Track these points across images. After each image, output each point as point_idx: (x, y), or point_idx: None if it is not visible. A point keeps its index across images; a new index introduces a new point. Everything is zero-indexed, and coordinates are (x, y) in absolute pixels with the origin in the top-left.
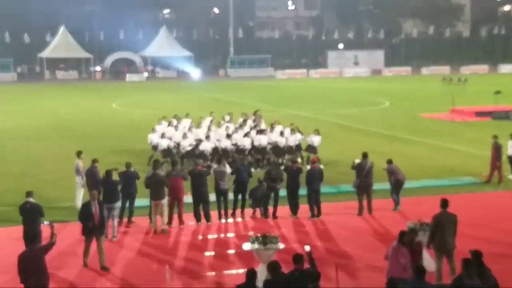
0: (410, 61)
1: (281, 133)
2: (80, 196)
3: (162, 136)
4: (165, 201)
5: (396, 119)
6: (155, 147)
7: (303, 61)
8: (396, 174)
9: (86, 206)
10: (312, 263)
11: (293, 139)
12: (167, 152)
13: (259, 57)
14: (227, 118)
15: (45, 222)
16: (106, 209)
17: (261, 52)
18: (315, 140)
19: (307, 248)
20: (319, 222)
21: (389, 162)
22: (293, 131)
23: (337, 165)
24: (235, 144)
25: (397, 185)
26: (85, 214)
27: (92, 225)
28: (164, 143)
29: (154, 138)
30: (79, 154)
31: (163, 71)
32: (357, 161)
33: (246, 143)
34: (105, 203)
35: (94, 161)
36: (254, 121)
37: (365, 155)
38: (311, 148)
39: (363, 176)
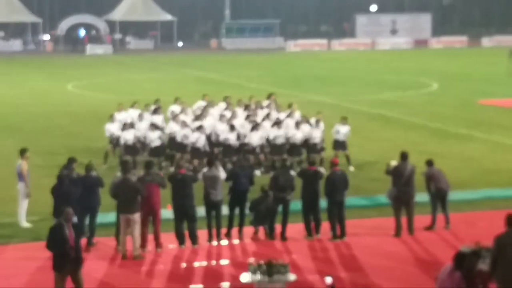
0: (467, 29)
1: (297, 124)
2: (23, 208)
3: (125, 127)
4: (138, 216)
5: (447, 108)
6: (114, 142)
7: (322, 28)
8: (438, 180)
9: (56, 229)
10: None
11: (319, 133)
12: (132, 149)
13: (264, 23)
14: (223, 105)
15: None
16: None
17: (266, 16)
18: (342, 131)
19: (329, 280)
20: (343, 245)
21: (430, 164)
22: (318, 122)
23: (368, 169)
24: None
25: (438, 196)
26: (56, 240)
27: (66, 255)
28: (129, 136)
29: (113, 129)
30: (22, 153)
31: (136, 42)
32: (394, 163)
33: (254, 138)
34: (55, 218)
35: (71, 161)
36: (267, 107)
37: (404, 156)
38: (339, 144)
39: (401, 184)
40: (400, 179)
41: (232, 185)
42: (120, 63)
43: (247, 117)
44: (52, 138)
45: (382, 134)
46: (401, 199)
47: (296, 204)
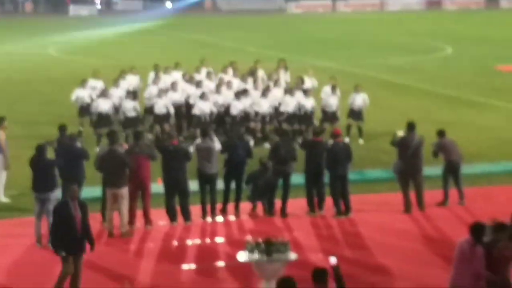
0: None
1: (304, 92)
2: (1, 182)
3: (103, 94)
4: (125, 190)
5: (463, 73)
6: (83, 110)
7: None
8: (449, 152)
9: (62, 207)
10: (339, 281)
11: (336, 101)
12: (105, 119)
13: None
14: (230, 72)
15: None
16: (38, 201)
17: None
18: (358, 100)
19: (333, 260)
20: (348, 222)
21: (441, 134)
22: (334, 88)
23: (377, 140)
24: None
25: (450, 169)
26: (61, 220)
27: (72, 237)
28: (104, 105)
29: (82, 94)
30: (0, 122)
31: (124, 2)
32: (400, 133)
33: (264, 106)
34: (35, 193)
35: (63, 128)
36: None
37: (411, 126)
38: (355, 114)
39: (408, 156)
40: (407, 151)
41: (227, 157)
42: (106, 25)
43: (254, 83)
44: (32, 105)
45: (392, 102)
46: (408, 173)
47: (297, 178)
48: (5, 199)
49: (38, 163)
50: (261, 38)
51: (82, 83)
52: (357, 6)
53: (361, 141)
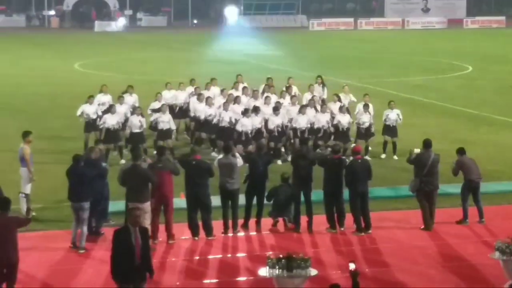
0: (505, 8)
1: (341, 109)
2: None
3: (110, 109)
4: (148, 205)
5: (482, 92)
6: (88, 125)
7: (349, 6)
8: (469, 171)
9: (121, 234)
10: (356, 286)
11: (366, 118)
12: (113, 134)
13: (285, 0)
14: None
15: (20, 194)
16: (73, 209)
17: None
18: (392, 117)
19: (352, 266)
20: (368, 239)
21: (461, 152)
22: (366, 106)
23: (398, 158)
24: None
25: (469, 187)
26: (121, 247)
27: (132, 266)
28: (111, 121)
29: (88, 110)
30: (25, 136)
31: (148, 18)
32: (416, 151)
33: (301, 122)
34: (70, 202)
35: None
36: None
37: (427, 144)
38: (389, 130)
39: (424, 174)
40: (423, 169)
41: (249, 173)
42: (130, 41)
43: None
44: (57, 120)
45: (412, 120)
46: (424, 190)
47: (316, 194)
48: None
49: (73, 172)
50: (283, 55)
51: (89, 99)
52: (379, 24)
53: (395, 158)
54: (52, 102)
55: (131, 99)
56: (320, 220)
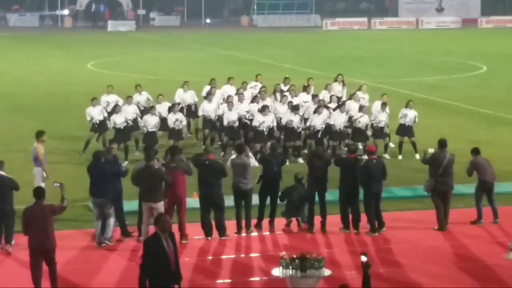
0: None
1: (360, 108)
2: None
3: (115, 109)
4: (161, 205)
5: (497, 92)
6: (94, 127)
7: (362, 5)
8: (483, 171)
9: (153, 242)
10: (367, 280)
11: (385, 117)
12: (121, 134)
13: None
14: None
15: (55, 184)
16: (95, 205)
17: None
18: (410, 116)
19: (364, 258)
20: (382, 239)
21: (475, 152)
22: (384, 105)
23: (410, 158)
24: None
25: (483, 188)
26: (155, 255)
27: (167, 274)
28: (118, 120)
29: (93, 112)
30: (39, 135)
31: (161, 18)
32: (431, 151)
33: (317, 122)
34: (92, 197)
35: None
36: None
37: (442, 144)
38: (405, 130)
39: (439, 174)
40: (438, 169)
41: (262, 173)
42: (143, 41)
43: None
44: (70, 119)
45: (426, 120)
46: (439, 190)
47: (330, 194)
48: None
49: (94, 169)
50: (296, 54)
51: (92, 101)
52: (393, 23)
53: (417, 156)
54: (66, 102)
55: (141, 98)
56: (333, 220)
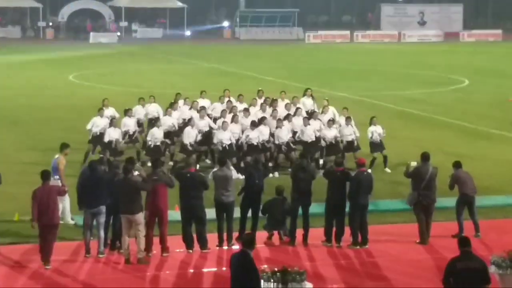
0: (501, 22)
1: (329, 122)
2: (66, 205)
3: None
4: (140, 216)
5: (479, 106)
6: (95, 139)
7: (345, 18)
8: (464, 185)
9: (241, 259)
10: None
11: (349, 131)
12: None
13: (281, 12)
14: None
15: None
16: (89, 215)
17: (284, 4)
18: (378, 132)
19: None
20: (365, 252)
21: (457, 165)
22: (349, 120)
23: (393, 170)
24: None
25: (464, 201)
26: (243, 273)
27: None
28: (114, 135)
29: (99, 123)
30: (63, 147)
31: (143, 30)
32: (413, 164)
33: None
34: (87, 208)
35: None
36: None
37: (425, 157)
38: (376, 146)
39: (422, 187)
40: (421, 182)
41: (244, 185)
42: (125, 53)
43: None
44: (52, 132)
45: (408, 133)
46: (422, 204)
47: (313, 207)
48: (72, 221)
49: (91, 178)
50: (278, 67)
51: (99, 111)
52: (375, 37)
53: (388, 170)
54: (47, 114)
55: (141, 111)
56: (315, 233)
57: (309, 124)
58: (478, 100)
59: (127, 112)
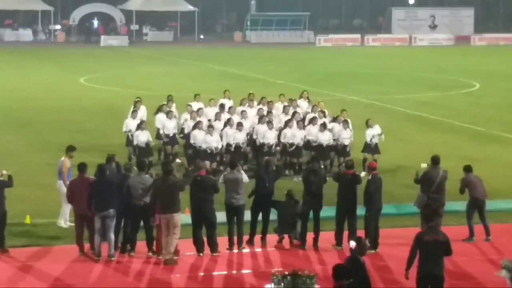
0: None
1: (322, 126)
2: (66, 210)
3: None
4: (179, 217)
5: (490, 109)
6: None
7: (356, 22)
8: (474, 188)
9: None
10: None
11: (347, 135)
12: (144, 150)
13: (292, 16)
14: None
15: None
16: (99, 219)
17: (295, 8)
18: (374, 134)
19: (352, 244)
20: (375, 256)
21: (467, 170)
22: (346, 123)
23: (403, 174)
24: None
25: (474, 205)
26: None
27: None
28: (142, 137)
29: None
30: (69, 150)
31: (154, 33)
32: (423, 165)
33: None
34: (96, 212)
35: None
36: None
37: (435, 161)
38: (371, 148)
39: (432, 191)
40: (431, 186)
41: (255, 189)
42: (136, 56)
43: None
44: (63, 134)
45: (418, 136)
46: (430, 209)
47: (323, 210)
48: (65, 225)
49: (100, 181)
50: (289, 70)
51: (133, 113)
52: (386, 40)
53: (362, 174)
54: (58, 116)
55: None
56: (326, 237)
57: (325, 130)
58: (489, 103)
59: (168, 113)
